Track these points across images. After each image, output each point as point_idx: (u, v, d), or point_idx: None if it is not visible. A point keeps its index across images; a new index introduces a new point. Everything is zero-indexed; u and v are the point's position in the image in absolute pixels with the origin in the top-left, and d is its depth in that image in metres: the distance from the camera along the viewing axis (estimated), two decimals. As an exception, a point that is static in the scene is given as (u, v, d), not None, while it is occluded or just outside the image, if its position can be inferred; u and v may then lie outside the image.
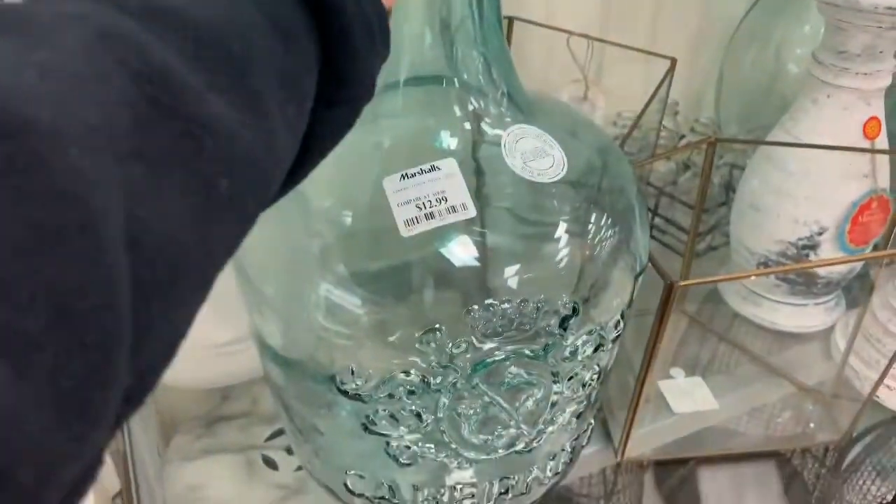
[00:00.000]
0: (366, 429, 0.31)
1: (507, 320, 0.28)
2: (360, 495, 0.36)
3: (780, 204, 0.49)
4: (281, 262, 0.32)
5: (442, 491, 0.34)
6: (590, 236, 0.31)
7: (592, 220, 0.32)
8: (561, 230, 0.31)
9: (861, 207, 0.47)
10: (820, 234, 0.48)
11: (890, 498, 0.49)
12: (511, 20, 0.63)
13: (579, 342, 0.30)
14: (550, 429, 0.33)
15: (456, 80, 0.30)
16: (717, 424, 0.48)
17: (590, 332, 0.30)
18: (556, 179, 0.30)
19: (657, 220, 0.63)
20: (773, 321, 0.53)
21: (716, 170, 0.65)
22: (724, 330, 0.55)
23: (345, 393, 0.30)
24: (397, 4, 0.29)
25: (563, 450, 0.36)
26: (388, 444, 0.32)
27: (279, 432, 0.60)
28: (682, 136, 0.68)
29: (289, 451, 0.58)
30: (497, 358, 0.29)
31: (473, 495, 0.35)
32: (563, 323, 0.29)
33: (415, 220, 0.27)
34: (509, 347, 0.29)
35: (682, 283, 0.33)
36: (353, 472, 0.34)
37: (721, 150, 0.66)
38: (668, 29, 0.71)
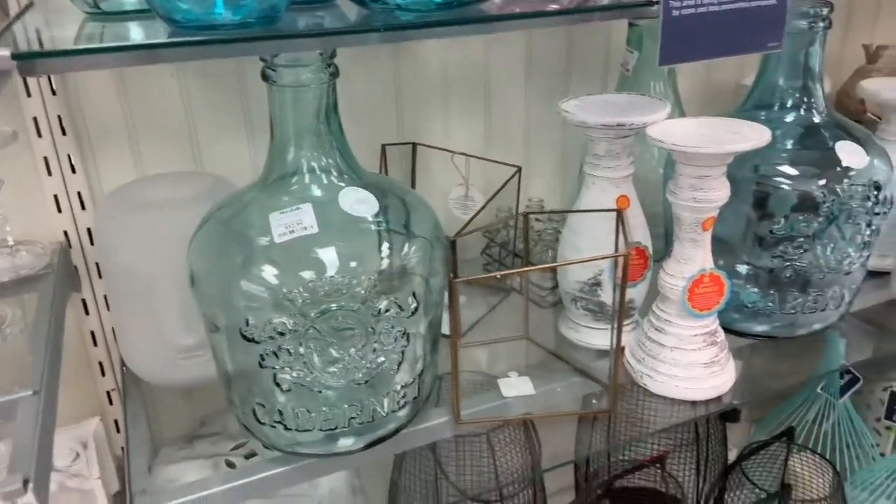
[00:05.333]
0: (260, 365, 0.52)
1: (332, 286, 0.50)
2: (264, 423, 0.56)
3: (575, 255, 0.71)
4: (220, 274, 0.54)
5: (312, 414, 0.55)
6: (402, 253, 0.54)
7: (405, 246, 0.55)
8: (385, 248, 0.54)
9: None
10: (600, 274, 0.70)
11: None
12: (415, 145, 0.90)
13: (381, 306, 0.52)
14: (378, 370, 0.54)
15: (317, 163, 0.54)
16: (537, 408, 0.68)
17: (390, 301, 0.53)
18: (369, 215, 0.53)
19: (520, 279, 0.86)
20: (588, 342, 0.74)
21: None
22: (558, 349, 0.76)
23: (245, 337, 0.51)
24: (281, 129, 0.54)
25: (395, 391, 0.57)
26: (275, 375, 0.53)
27: (240, 445, 0.80)
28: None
29: (246, 457, 0.78)
30: (332, 308, 0.51)
31: (334, 416, 0.55)
32: (368, 292, 0.51)
33: (283, 234, 0.51)
34: (342, 303, 0.51)
35: (457, 280, 0.56)
36: (257, 401, 0.55)
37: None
38: (540, 149, 0.98)
